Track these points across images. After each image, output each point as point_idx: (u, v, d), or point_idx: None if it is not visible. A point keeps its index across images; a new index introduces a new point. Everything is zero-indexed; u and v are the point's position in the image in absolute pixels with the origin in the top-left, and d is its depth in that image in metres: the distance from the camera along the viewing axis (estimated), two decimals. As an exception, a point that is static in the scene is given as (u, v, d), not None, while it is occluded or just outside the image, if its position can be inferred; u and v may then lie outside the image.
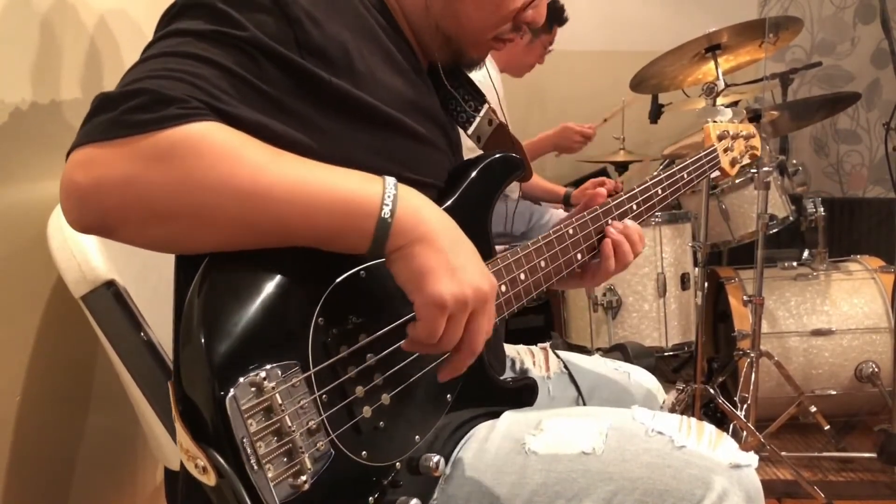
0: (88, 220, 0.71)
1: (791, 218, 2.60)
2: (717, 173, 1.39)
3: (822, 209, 2.56)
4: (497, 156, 1.02)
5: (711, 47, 2.36)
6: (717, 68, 2.35)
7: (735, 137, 1.45)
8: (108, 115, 0.70)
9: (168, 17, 0.82)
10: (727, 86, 2.39)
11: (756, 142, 1.53)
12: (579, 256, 1.06)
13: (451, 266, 0.77)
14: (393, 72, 0.93)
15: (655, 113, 3.16)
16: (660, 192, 1.20)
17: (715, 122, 1.46)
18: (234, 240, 0.73)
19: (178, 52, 0.75)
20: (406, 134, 0.92)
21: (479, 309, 0.79)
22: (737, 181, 2.54)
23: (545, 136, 2.89)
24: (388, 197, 0.76)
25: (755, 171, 2.20)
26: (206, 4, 0.79)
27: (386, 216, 0.75)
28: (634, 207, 1.15)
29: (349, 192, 0.76)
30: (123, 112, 0.70)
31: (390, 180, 0.78)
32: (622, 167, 3.41)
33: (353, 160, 0.83)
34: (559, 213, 2.67)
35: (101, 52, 1.46)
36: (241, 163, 0.71)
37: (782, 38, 2.43)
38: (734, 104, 2.77)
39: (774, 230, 2.60)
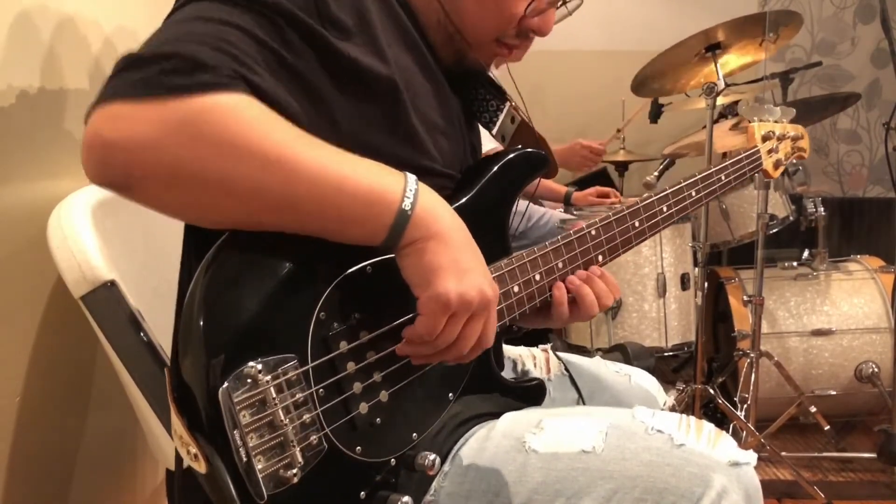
0: (110, 176, 0.71)
1: (791, 218, 2.59)
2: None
3: (822, 209, 2.56)
4: (520, 152, 1.01)
5: (711, 46, 2.35)
6: (717, 68, 2.34)
7: (781, 139, 1.39)
8: (141, 73, 0.70)
9: None
10: (727, 86, 2.39)
11: (805, 143, 1.46)
12: (600, 258, 1.05)
13: (460, 267, 0.78)
14: (414, 60, 0.92)
15: (655, 113, 3.16)
16: (693, 193, 1.16)
17: (761, 121, 1.40)
18: (252, 215, 0.73)
19: (206, 17, 0.75)
20: (420, 118, 0.91)
21: (478, 313, 0.80)
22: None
23: (554, 151, 2.86)
24: (410, 190, 0.77)
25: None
26: None
27: (406, 208, 0.76)
28: (664, 210, 1.12)
29: (373, 180, 0.76)
30: (159, 73, 0.70)
31: (411, 176, 0.79)
32: (622, 167, 3.41)
33: (364, 141, 0.83)
34: (558, 213, 2.66)
35: (102, 53, 1.46)
36: (273, 137, 0.71)
37: (782, 36, 2.43)
38: (734, 104, 2.77)
39: (774, 230, 2.60)
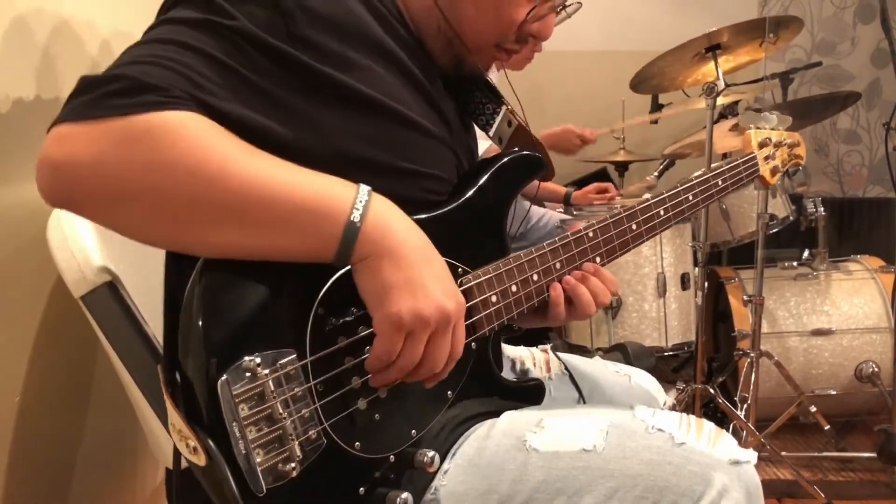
0: (57, 194, 0.72)
1: (791, 218, 2.60)
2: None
3: (822, 209, 2.56)
4: (517, 154, 1.01)
5: (711, 47, 2.36)
6: (717, 68, 2.34)
7: (778, 146, 1.40)
8: (87, 96, 0.72)
9: (165, 7, 0.83)
10: (727, 86, 2.39)
11: (801, 150, 1.47)
12: (598, 260, 1.05)
13: (414, 284, 0.77)
14: (390, 68, 0.90)
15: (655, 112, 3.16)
16: (690, 197, 1.16)
17: (758, 128, 1.41)
18: (197, 231, 0.73)
19: (165, 39, 0.76)
20: (403, 124, 0.90)
21: (441, 329, 0.79)
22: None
23: (545, 134, 2.87)
24: (360, 202, 0.76)
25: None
26: None
27: (355, 220, 0.75)
28: (661, 213, 1.12)
29: (320, 190, 0.75)
30: (102, 95, 0.71)
31: (364, 187, 0.78)
32: (622, 167, 3.42)
33: (344, 150, 0.83)
34: (557, 214, 2.67)
35: (100, 55, 1.46)
36: (213, 151, 0.72)
37: (782, 38, 2.43)
38: (734, 104, 2.77)
39: (774, 230, 2.60)
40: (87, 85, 0.73)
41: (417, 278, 0.77)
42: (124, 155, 0.70)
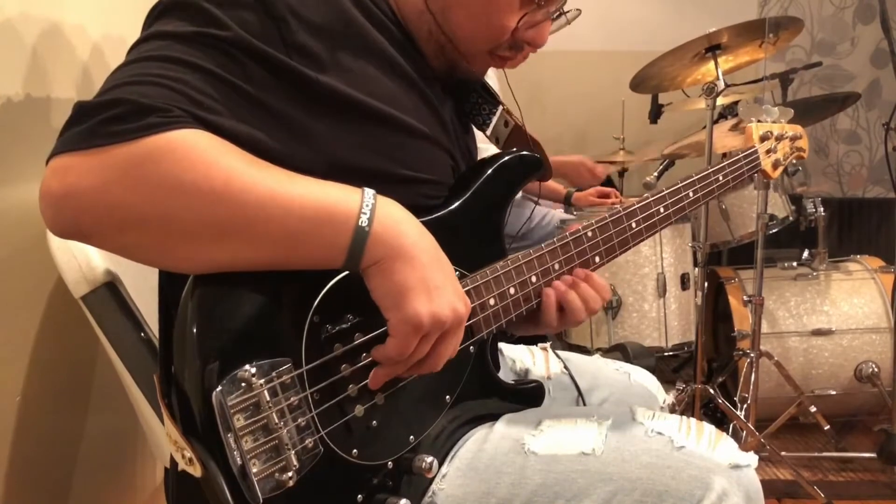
0: (63, 226, 0.71)
1: (791, 218, 2.60)
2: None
3: (822, 209, 2.56)
4: (514, 154, 1.01)
5: (711, 47, 2.36)
6: (717, 68, 2.34)
7: (780, 139, 1.39)
8: (84, 125, 0.70)
9: (152, 18, 0.81)
10: (727, 86, 2.39)
11: (803, 143, 1.46)
12: (597, 259, 1.05)
13: (429, 285, 0.77)
14: (385, 70, 0.89)
15: (655, 113, 3.15)
16: (690, 194, 1.15)
17: (759, 121, 1.40)
18: (204, 250, 0.72)
19: (159, 56, 0.75)
20: (400, 129, 0.90)
21: (451, 331, 0.79)
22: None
23: (558, 160, 2.84)
24: (367, 206, 0.75)
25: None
26: (189, 4, 0.78)
27: (363, 225, 0.74)
28: (662, 210, 1.11)
29: (325, 198, 0.75)
30: (100, 122, 0.70)
31: (369, 191, 0.77)
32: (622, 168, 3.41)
33: (340, 160, 0.82)
34: (559, 213, 2.66)
35: (98, 55, 1.46)
36: (217, 167, 0.70)
37: (782, 38, 2.43)
38: (734, 104, 2.77)
39: (774, 230, 2.60)
40: (83, 112, 0.71)
41: (431, 279, 0.77)
42: (130, 181, 0.69)
